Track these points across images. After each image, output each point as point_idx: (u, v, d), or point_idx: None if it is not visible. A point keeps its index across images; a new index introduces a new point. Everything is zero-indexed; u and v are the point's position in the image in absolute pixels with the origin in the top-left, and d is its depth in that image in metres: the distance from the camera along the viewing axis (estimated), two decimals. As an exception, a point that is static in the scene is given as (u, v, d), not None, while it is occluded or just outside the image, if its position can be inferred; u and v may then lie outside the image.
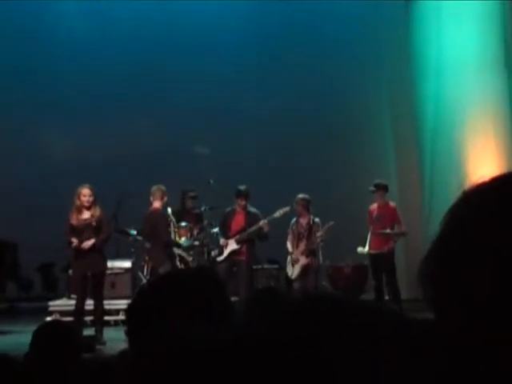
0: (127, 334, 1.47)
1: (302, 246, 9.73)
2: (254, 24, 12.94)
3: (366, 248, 9.73)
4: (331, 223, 9.71)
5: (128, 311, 1.55)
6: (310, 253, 9.72)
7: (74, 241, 8.40)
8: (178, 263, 9.76)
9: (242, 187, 9.85)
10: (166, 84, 12.83)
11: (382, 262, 9.59)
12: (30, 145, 12.92)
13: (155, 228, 9.30)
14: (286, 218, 9.95)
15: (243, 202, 9.83)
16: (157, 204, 9.39)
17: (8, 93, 12.73)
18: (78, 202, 8.50)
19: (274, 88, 12.79)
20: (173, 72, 12.82)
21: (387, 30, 12.59)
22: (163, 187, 9.46)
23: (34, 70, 12.77)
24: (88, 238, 8.46)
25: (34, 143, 13.02)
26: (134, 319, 1.49)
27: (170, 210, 10.00)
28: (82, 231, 8.47)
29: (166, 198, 9.41)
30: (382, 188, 9.80)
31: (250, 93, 12.80)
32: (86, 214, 8.52)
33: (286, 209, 9.84)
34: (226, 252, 9.87)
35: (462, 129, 11.20)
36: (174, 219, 9.99)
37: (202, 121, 12.72)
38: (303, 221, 9.81)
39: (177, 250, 9.85)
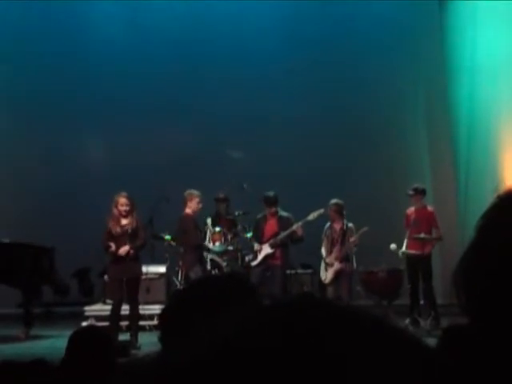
0: (160, 340, 1.48)
1: (336, 251, 9.69)
2: (285, 28, 12.93)
3: (403, 249, 9.63)
4: (365, 228, 9.65)
5: (160, 317, 1.56)
6: (344, 258, 9.68)
7: (112, 245, 8.50)
8: (212, 268, 9.79)
9: (270, 193, 9.86)
10: (197, 91, 12.87)
11: (420, 266, 9.51)
12: (66, 152, 13.05)
13: (185, 232, 9.37)
14: (320, 222, 9.92)
15: (273, 209, 9.86)
16: (187, 209, 9.45)
17: (38, 99, 12.88)
18: (115, 211, 8.61)
19: (307, 92, 12.76)
20: (206, 79, 12.86)
21: (422, 31, 12.52)
22: (195, 192, 9.50)
23: (70, 77, 12.91)
24: (124, 245, 8.55)
25: (71, 150, 13.14)
26: (166, 325, 1.50)
27: (209, 220, 10.09)
28: (119, 238, 8.57)
29: (195, 202, 9.43)
30: (421, 192, 9.73)
31: (284, 97, 12.78)
32: (123, 222, 8.63)
33: (320, 211, 9.82)
34: (261, 256, 9.88)
35: (497, 131, 11.06)
36: (211, 228, 10.06)
37: (234, 125, 12.73)
38: (337, 226, 9.77)
39: (210, 255, 9.88)
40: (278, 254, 9.86)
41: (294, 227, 9.74)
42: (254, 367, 0.65)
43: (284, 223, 9.85)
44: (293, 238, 9.85)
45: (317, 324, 0.67)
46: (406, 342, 0.70)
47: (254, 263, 9.94)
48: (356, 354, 0.65)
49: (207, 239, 10.04)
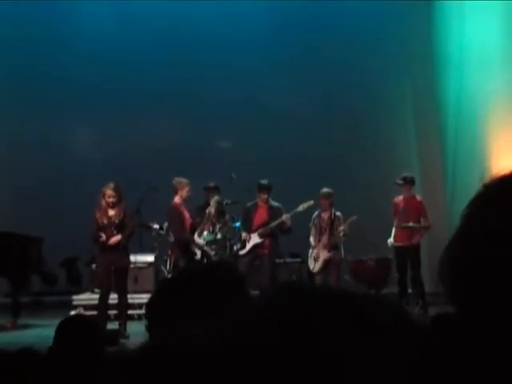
0: (147, 328, 1.48)
1: (324, 240, 9.71)
2: (278, 20, 12.90)
3: (391, 239, 9.70)
4: (354, 217, 9.68)
5: (147, 306, 1.56)
6: (333, 247, 9.70)
7: (103, 235, 8.52)
8: (201, 257, 9.78)
9: (265, 181, 9.87)
10: (188, 79, 12.83)
11: (408, 255, 9.56)
12: (53, 141, 13.00)
13: (174, 223, 9.40)
14: (309, 211, 9.94)
15: (265, 196, 9.84)
16: (176, 198, 9.47)
17: (32, 90, 12.81)
18: (102, 202, 8.63)
19: (298, 83, 12.75)
20: (195, 67, 12.82)
21: (410, 27, 12.53)
22: (184, 180, 9.50)
23: (56, 69, 12.82)
24: (113, 235, 8.56)
25: (58, 139, 13.09)
26: (153, 314, 1.50)
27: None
28: (106, 229, 8.58)
29: (186, 190, 9.43)
30: (410, 181, 9.78)
31: (274, 88, 12.75)
32: (111, 212, 8.66)
33: (310, 202, 9.82)
34: (249, 246, 9.88)
35: (484, 123, 11.11)
36: (213, 212, 9.88)
37: (224, 116, 12.71)
38: (325, 215, 9.79)
39: (198, 247, 9.85)
40: (266, 243, 9.86)
41: (284, 218, 9.73)
42: (253, 366, 0.65)
43: (274, 213, 9.84)
44: (282, 229, 9.85)
45: (313, 322, 0.67)
46: (402, 334, 0.70)
47: (243, 252, 9.93)
48: (353, 354, 0.65)
49: (203, 223, 9.87)
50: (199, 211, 10.13)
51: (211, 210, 9.86)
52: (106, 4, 13.16)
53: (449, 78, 12.08)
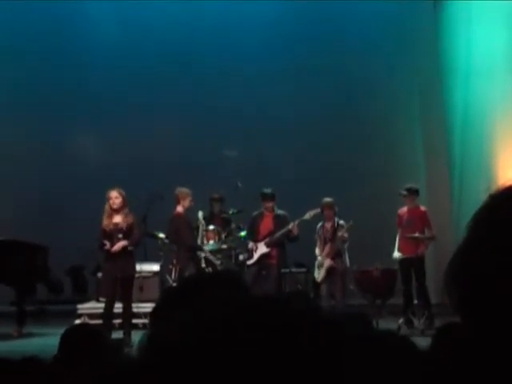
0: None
1: (327, 248, 9.71)
2: (281, 26, 12.92)
3: (396, 252, 9.69)
4: (351, 222, 9.69)
5: (152, 315, 1.55)
6: (336, 255, 9.69)
7: (106, 243, 8.49)
8: (206, 266, 9.78)
9: (267, 190, 9.85)
10: (195, 89, 12.87)
11: (413, 266, 9.54)
12: (58, 149, 13.02)
13: (178, 231, 9.37)
14: (314, 221, 9.93)
15: (270, 204, 9.83)
16: (178, 207, 9.47)
17: (35, 96, 12.85)
18: (107, 207, 8.60)
19: (303, 91, 12.76)
20: (202, 77, 12.85)
21: (416, 32, 12.54)
22: (186, 189, 9.51)
23: (64, 78, 12.87)
24: (118, 242, 8.53)
25: (63, 147, 13.12)
26: (157, 323, 1.49)
27: (201, 214, 10.06)
28: (112, 235, 8.54)
29: (189, 200, 9.44)
30: (414, 192, 9.76)
31: (280, 96, 12.77)
32: (117, 219, 8.60)
33: (317, 210, 9.81)
34: (257, 255, 9.85)
35: (491, 132, 11.09)
36: (203, 223, 10.04)
37: (228, 124, 12.73)
38: (328, 224, 9.80)
39: (204, 254, 9.87)
40: (274, 253, 9.83)
41: (290, 226, 9.72)
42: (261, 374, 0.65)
43: (280, 222, 9.83)
44: (289, 237, 9.83)
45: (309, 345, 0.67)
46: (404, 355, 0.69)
47: (250, 262, 9.91)
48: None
49: (200, 235, 10.00)
50: (206, 221, 10.17)
51: (202, 222, 9.96)
52: (117, 14, 13.20)
53: (456, 87, 12.06)
